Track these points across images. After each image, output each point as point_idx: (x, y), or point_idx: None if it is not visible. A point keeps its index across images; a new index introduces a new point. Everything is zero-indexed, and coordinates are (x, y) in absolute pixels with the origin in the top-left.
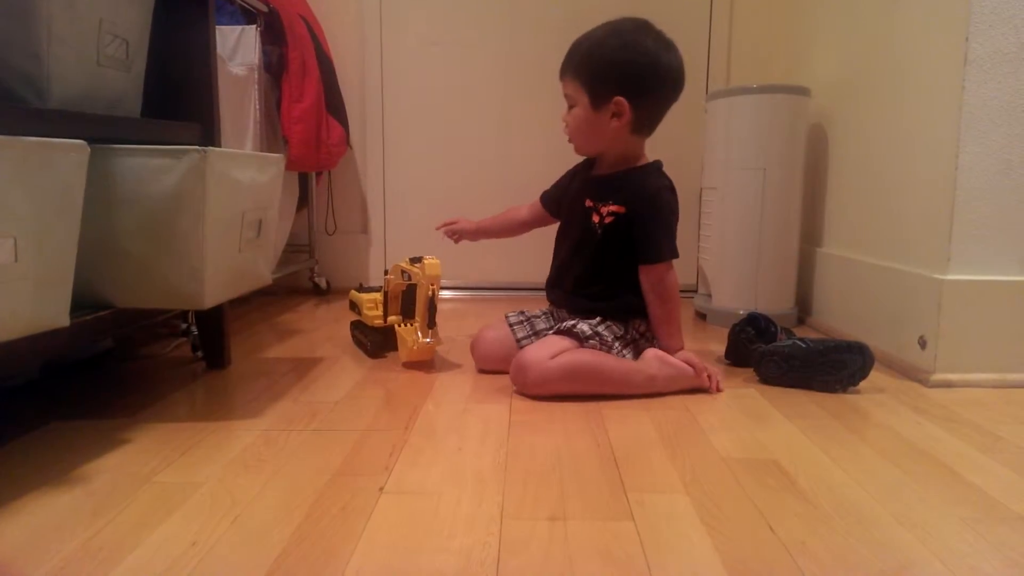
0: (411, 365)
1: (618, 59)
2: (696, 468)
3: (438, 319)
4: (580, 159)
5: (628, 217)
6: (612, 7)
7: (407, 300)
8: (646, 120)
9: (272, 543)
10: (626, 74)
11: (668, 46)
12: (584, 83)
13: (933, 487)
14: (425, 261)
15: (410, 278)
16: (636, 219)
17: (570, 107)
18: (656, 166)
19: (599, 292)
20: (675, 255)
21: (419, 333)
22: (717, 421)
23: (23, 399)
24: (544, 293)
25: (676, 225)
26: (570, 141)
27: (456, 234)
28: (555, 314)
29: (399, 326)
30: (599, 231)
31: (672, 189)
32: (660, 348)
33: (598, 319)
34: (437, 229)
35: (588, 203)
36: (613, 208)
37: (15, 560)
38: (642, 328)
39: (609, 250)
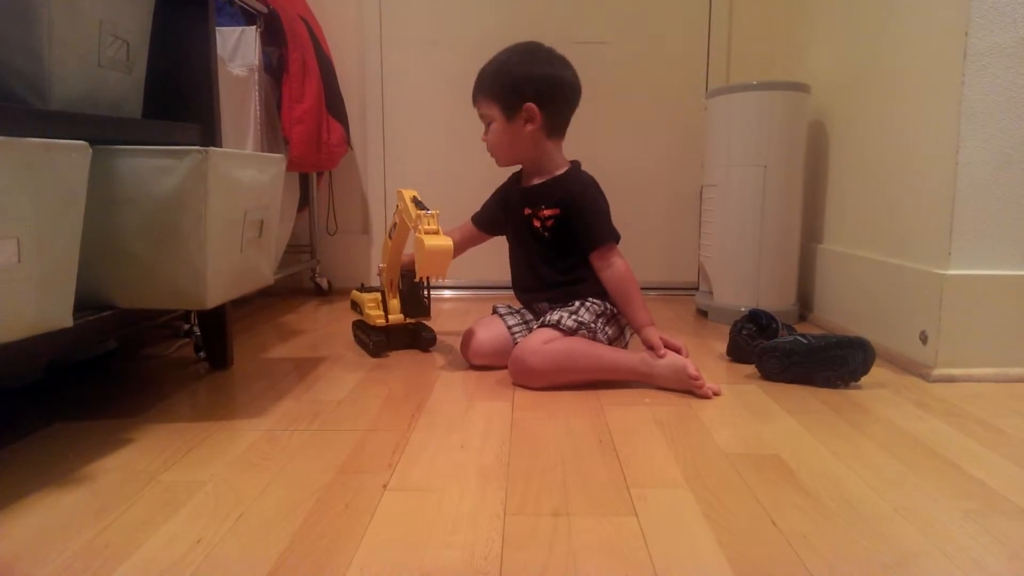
0: (432, 265)
1: (521, 72)
2: (698, 463)
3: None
4: (499, 180)
5: (565, 217)
6: (611, 6)
7: (405, 297)
8: (556, 123)
9: (276, 540)
10: (532, 83)
11: (561, 59)
12: (496, 99)
13: (935, 480)
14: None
15: (396, 225)
16: (572, 217)
17: (487, 125)
18: (575, 167)
19: (570, 279)
20: (615, 236)
21: (416, 217)
22: (719, 416)
23: (27, 400)
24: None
25: (608, 209)
26: (493, 156)
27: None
28: (535, 307)
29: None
30: (546, 233)
31: (594, 183)
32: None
33: (577, 303)
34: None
35: (527, 211)
36: (548, 212)
37: (21, 559)
38: None
39: (562, 243)
